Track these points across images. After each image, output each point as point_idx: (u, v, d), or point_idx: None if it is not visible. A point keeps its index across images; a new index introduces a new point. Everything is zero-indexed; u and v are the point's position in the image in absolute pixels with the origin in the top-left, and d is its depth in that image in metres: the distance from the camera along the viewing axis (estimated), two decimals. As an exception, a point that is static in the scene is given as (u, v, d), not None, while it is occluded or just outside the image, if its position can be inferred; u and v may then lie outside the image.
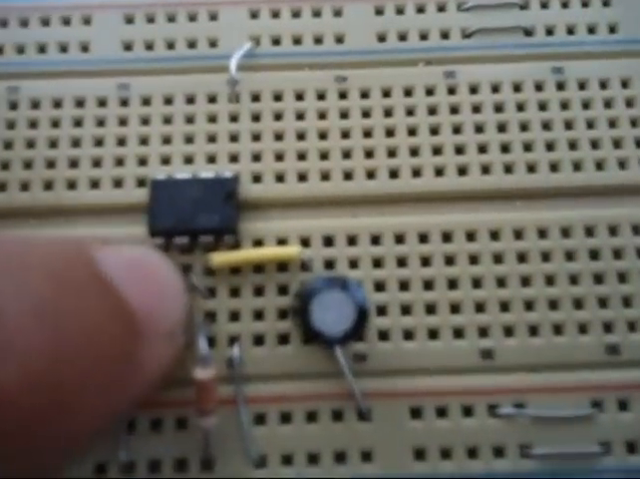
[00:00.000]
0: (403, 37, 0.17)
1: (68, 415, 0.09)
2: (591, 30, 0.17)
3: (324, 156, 0.15)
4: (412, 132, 0.16)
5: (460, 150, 0.15)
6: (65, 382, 0.09)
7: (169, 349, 0.12)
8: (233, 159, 0.15)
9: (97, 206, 0.15)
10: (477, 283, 0.14)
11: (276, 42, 0.17)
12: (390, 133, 0.16)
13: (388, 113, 0.16)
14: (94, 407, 0.10)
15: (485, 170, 0.15)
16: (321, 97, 0.16)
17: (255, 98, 0.16)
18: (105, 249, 0.11)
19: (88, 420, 0.10)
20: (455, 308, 0.14)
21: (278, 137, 0.16)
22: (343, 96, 0.16)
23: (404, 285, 0.14)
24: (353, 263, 0.14)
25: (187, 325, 0.13)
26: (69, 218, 0.15)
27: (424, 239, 0.15)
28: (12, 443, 0.09)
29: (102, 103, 0.16)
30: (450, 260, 0.15)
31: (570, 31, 0.17)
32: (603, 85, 0.16)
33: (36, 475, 0.10)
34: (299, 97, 0.16)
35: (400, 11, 0.17)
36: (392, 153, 0.15)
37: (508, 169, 0.15)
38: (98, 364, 0.10)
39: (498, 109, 0.16)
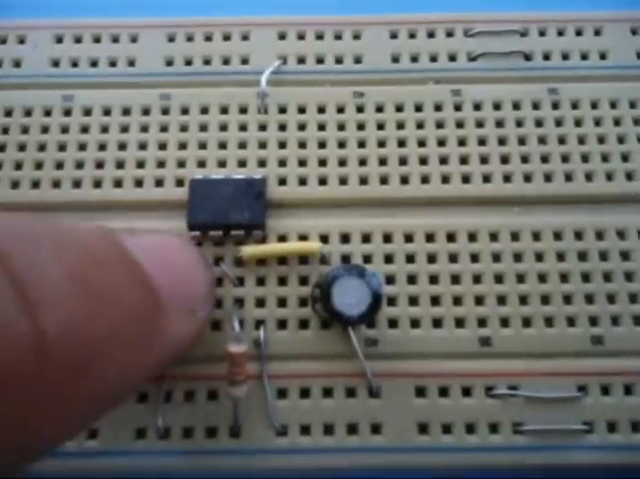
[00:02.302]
0: (415, 58, 0.18)
1: (97, 369, 0.10)
2: (584, 56, 0.18)
3: (342, 162, 0.17)
4: (421, 143, 0.17)
5: (464, 160, 0.17)
6: (96, 339, 0.10)
7: (193, 325, 0.12)
8: (262, 163, 0.17)
9: (140, 202, 0.16)
10: (477, 279, 0.16)
11: (301, 61, 0.18)
12: (401, 143, 0.17)
13: (400, 126, 0.17)
14: (120, 367, 0.10)
15: (487, 178, 0.16)
16: (340, 110, 0.17)
17: (282, 110, 0.17)
18: (129, 236, 0.12)
19: (113, 379, 0.10)
20: (457, 301, 0.15)
21: (302, 145, 0.17)
22: (360, 110, 0.17)
23: (412, 279, 0.16)
24: (367, 259, 0.16)
25: (212, 303, 0.14)
26: (115, 212, 0.16)
27: (430, 238, 0.16)
28: (50, 390, 0.09)
29: (145, 111, 0.17)
30: (453, 258, 0.16)
31: (565, 56, 0.18)
32: (594, 105, 0.17)
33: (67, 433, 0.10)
34: (321, 110, 0.17)
35: (412, 35, 0.18)
36: (403, 161, 0.17)
37: (507, 178, 0.17)
38: (126, 327, 0.10)
39: (499, 124, 0.17)
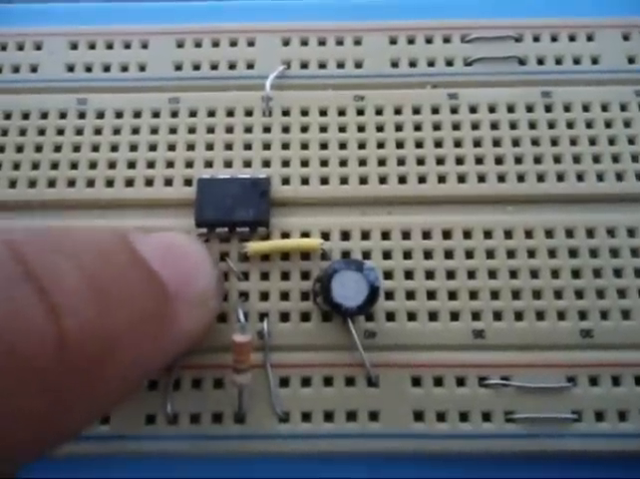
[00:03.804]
0: (413, 63, 0.18)
1: (112, 364, 0.11)
2: (577, 61, 0.18)
3: (343, 163, 0.17)
4: (419, 144, 0.17)
5: (460, 160, 0.17)
6: (111, 336, 0.10)
7: (202, 317, 0.13)
8: (266, 163, 0.17)
9: (150, 200, 0.17)
10: (471, 274, 0.16)
11: (304, 66, 0.18)
12: (400, 145, 0.17)
13: (399, 128, 0.17)
14: (133, 360, 0.11)
15: (481, 178, 0.17)
16: (342, 113, 0.18)
17: (286, 113, 0.18)
18: (139, 235, 0.12)
19: (126, 372, 0.11)
20: (452, 295, 0.16)
21: (304, 146, 0.17)
22: (360, 112, 0.18)
23: (409, 274, 0.16)
24: (365, 255, 0.16)
25: (220, 295, 0.14)
26: (126, 210, 0.17)
27: (427, 235, 0.16)
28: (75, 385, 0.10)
29: (155, 114, 0.18)
30: (448, 254, 0.16)
31: (558, 61, 0.18)
32: (585, 108, 0.18)
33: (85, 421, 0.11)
34: (323, 113, 0.18)
35: (411, 41, 0.19)
36: (401, 161, 0.17)
37: (501, 178, 0.17)
38: (138, 323, 0.11)
39: (494, 126, 0.17)
